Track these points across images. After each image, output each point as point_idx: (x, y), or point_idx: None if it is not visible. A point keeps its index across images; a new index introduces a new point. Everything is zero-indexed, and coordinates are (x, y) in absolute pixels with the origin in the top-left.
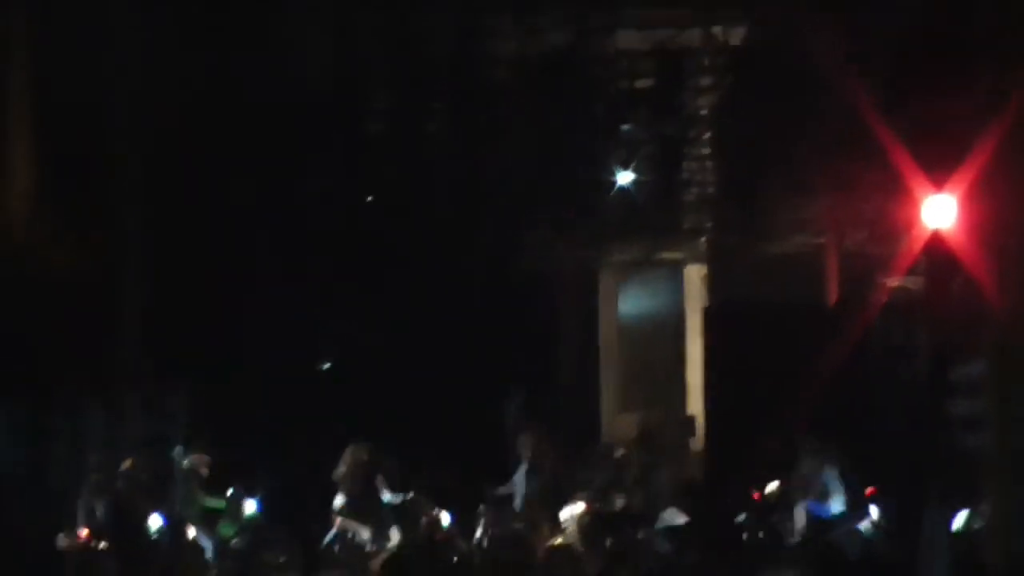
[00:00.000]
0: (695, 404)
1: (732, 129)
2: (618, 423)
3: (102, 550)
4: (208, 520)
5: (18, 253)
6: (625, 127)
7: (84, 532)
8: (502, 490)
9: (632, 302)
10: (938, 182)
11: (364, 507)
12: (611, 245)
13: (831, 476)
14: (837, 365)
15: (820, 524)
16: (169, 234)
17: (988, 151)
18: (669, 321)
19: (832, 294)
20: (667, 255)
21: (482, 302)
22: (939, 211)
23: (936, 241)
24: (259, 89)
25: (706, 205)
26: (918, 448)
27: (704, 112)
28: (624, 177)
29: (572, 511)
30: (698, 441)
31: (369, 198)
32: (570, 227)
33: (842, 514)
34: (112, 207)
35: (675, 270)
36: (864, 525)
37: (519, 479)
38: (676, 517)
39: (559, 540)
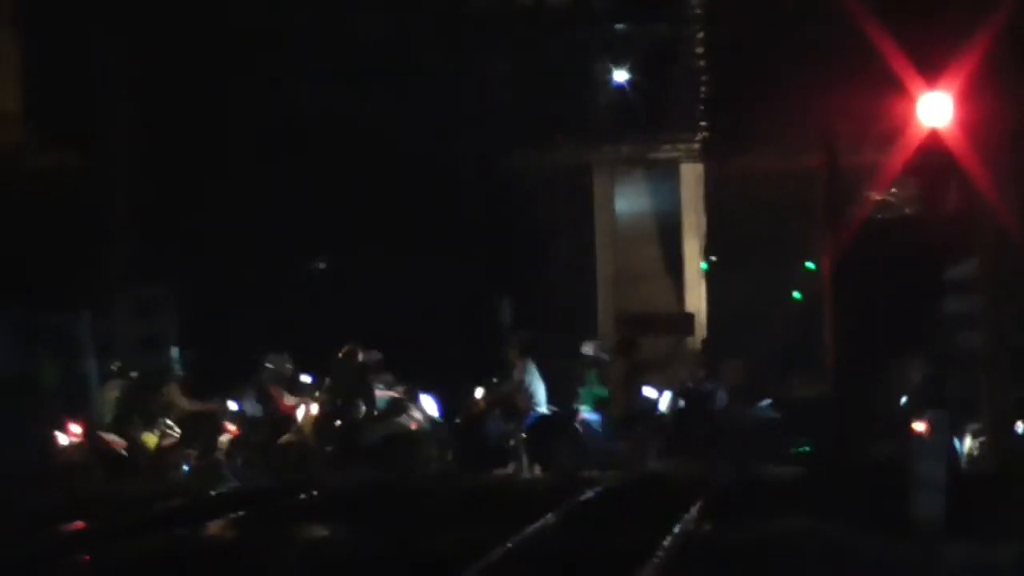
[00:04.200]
0: (693, 302)
1: (726, 28)
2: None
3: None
4: None
5: (7, 161)
6: (620, 26)
7: None
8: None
9: (628, 200)
10: (933, 80)
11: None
12: (606, 144)
13: None
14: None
15: None
16: (160, 138)
17: (983, 49)
18: (665, 220)
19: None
20: (662, 154)
21: (476, 202)
22: (934, 109)
23: (931, 140)
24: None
25: (701, 104)
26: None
27: (698, 11)
28: (619, 75)
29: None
30: (697, 337)
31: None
32: (565, 126)
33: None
34: (101, 114)
35: (671, 169)
36: None
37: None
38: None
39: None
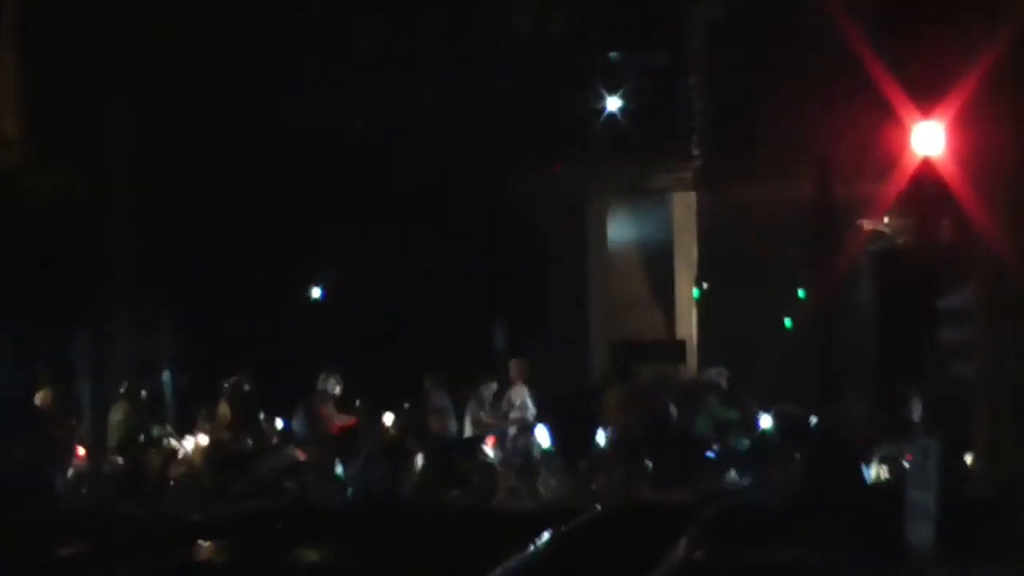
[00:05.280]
0: (685, 329)
1: (721, 57)
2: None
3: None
4: None
5: (8, 181)
6: (614, 55)
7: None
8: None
9: (621, 228)
10: (927, 109)
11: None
12: (600, 172)
13: None
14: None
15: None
16: (159, 159)
17: (977, 78)
18: (658, 247)
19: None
20: (655, 182)
21: (472, 229)
22: (928, 138)
23: (925, 168)
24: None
25: (694, 133)
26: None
27: (693, 40)
28: (613, 104)
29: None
30: (689, 364)
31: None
32: (559, 154)
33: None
34: (102, 134)
35: (664, 197)
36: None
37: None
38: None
39: None
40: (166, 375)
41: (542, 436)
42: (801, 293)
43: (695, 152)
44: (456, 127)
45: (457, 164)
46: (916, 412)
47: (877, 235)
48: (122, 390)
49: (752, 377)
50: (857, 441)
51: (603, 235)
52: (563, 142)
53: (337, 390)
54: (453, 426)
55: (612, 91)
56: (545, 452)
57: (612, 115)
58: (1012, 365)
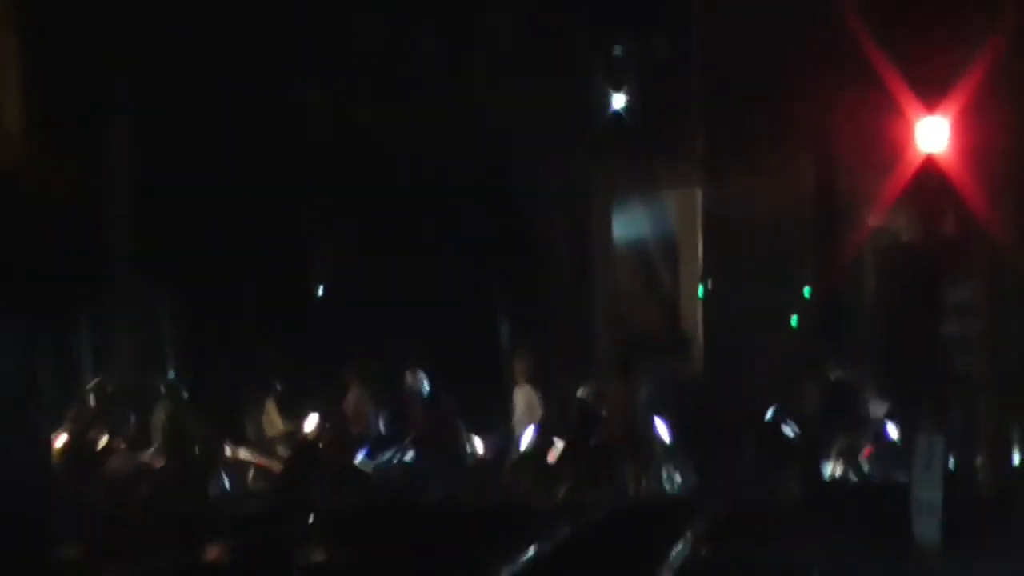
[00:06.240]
0: (690, 326)
1: (725, 53)
2: None
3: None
4: None
5: (7, 176)
6: (618, 49)
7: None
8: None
9: (625, 224)
10: (931, 105)
11: None
12: (603, 168)
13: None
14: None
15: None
16: (160, 154)
17: (981, 73)
18: (662, 243)
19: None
20: (659, 177)
21: (475, 226)
22: (932, 134)
23: (929, 164)
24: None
25: (698, 127)
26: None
27: (697, 35)
28: (616, 99)
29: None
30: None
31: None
32: (562, 150)
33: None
34: (102, 127)
35: (668, 192)
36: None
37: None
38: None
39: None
40: (171, 373)
41: (663, 430)
42: (807, 291)
43: (699, 148)
44: (457, 122)
45: (458, 160)
46: (872, 406)
47: (882, 229)
48: (162, 389)
49: (759, 373)
50: (811, 435)
51: (607, 232)
52: (566, 138)
53: (425, 385)
54: (377, 428)
55: (616, 87)
56: (667, 447)
57: (616, 111)
58: (1015, 359)
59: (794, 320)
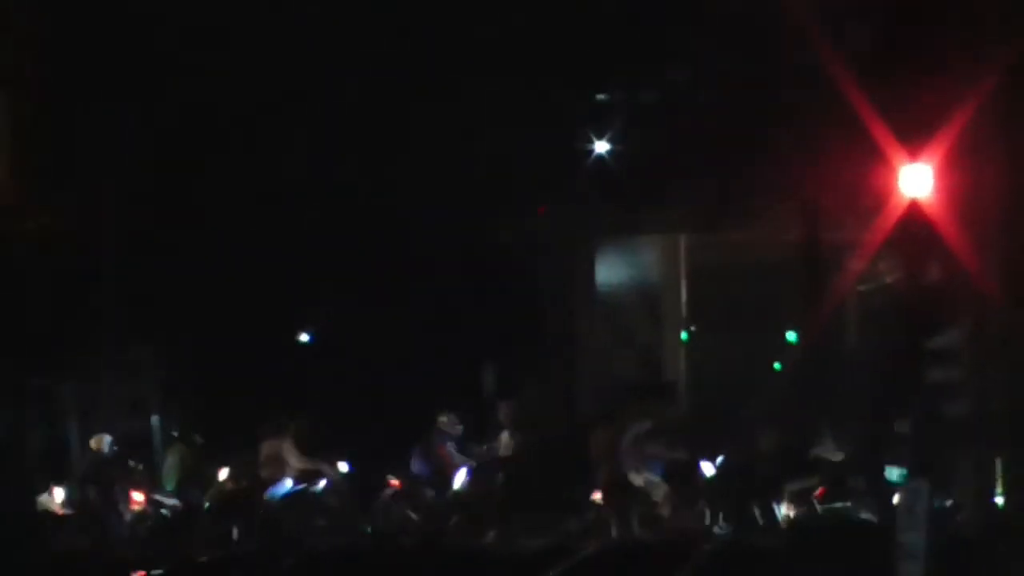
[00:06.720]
0: (673, 371)
1: (708, 99)
2: None
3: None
4: None
5: None
6: (601, 96)
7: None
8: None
9: (609, 270)
10: (915, 152)
11: None
12: (588, 214)
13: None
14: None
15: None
16: (147, 203)
17: (964, 120)
18: (646, 289)
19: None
20: (643, 224)
21: (460, 271)
22: (916, 181)
23: (913, 210)
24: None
25: (682, 174)
26: (895, 417)
27: (680, 81)
28: (600, 145)
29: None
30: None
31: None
32: (547, 196)
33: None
34: (89, 173)
35: (652, 238)
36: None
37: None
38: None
39: None
40: (155, 419)
41: (707, 468)
42: (791, 336)
43: (684, 195)
44: (442, 170)
45: (444, 207)
46: (828, 447)
47: (866, 275)
48: (175, 433)
49: (742, 418)
50: (763, 476)
51: (591, 277)
52: (551, 185)
53: (459, 429)
54: (288, 476)
55: (600, 133)
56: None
57: (600, 157)
58: (999, 405)
59: (777, 365)
